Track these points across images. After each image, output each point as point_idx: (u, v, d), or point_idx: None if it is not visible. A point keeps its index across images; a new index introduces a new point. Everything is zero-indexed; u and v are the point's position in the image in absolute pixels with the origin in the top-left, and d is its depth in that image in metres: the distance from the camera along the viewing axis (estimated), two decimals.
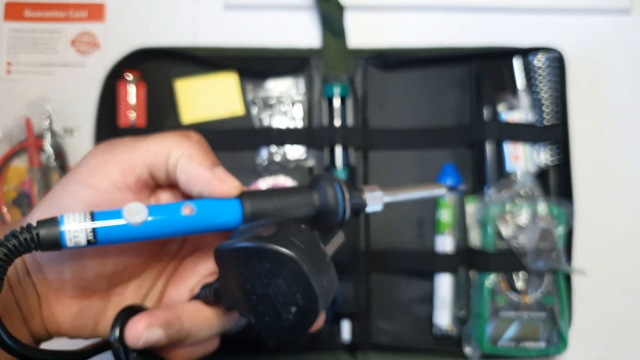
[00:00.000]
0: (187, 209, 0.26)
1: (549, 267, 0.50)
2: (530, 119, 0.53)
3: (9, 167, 0.55)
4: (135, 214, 0.25)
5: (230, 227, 0.27)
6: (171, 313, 0.27)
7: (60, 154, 0.54)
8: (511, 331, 0.51)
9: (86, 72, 0.57)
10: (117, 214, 0.25)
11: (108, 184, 0.27)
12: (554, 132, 0.53)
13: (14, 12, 0.58)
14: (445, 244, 0.52)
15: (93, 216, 0.25)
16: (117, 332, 0.27)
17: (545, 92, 0.54)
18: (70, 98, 0.56)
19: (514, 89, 0.54)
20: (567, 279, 0.52)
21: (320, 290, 0.24)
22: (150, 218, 0.25)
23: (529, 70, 0.54)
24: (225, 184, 0.27)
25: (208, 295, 0.28)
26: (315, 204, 0.29)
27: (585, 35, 0.59)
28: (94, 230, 0.25)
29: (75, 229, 0.24)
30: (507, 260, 0.50)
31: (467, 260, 0.52)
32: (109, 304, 0.30)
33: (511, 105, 0.54)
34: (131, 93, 0.53)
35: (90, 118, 0.53)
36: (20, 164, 0.55)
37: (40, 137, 0.54)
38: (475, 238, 0.53)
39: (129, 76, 0.53)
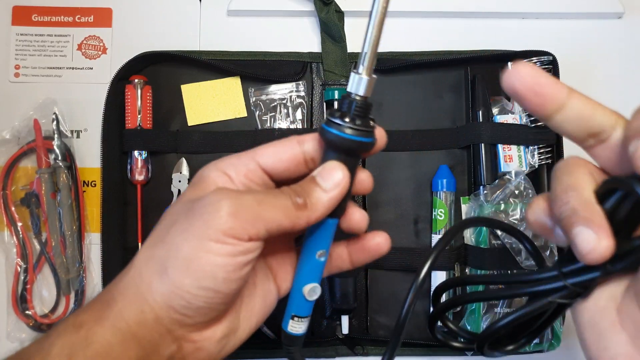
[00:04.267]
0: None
1: None
2: (523, 121, 0.54)
3: (17, 167, 0.56)
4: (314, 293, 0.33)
5: None
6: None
7: (67, 155, 0.55)
8: None
9: (93, 75, 0.58)
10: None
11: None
12: (546, 134, 0.53)
13: (21, 17, 0.58)
14: None
15: None
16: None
17: None
18: (77, 100, 0.57)
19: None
20: None
21: None
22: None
23: None
24: None
25: None
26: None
27: (578, 39, 0.59)
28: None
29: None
30: (501, 257, 0.51)
31: (462, 258, 0.53)
32: (241, 301, 0.31)
33: (505, 108, 0.54)
34: (137, 96, 0.53)
35: (97, 120, 0.53)
36: (28, 164, 0.56)
37: (48, 138, 0.55)
38: (470, 236, 0.53)
39: (136, 80, 0.54)
